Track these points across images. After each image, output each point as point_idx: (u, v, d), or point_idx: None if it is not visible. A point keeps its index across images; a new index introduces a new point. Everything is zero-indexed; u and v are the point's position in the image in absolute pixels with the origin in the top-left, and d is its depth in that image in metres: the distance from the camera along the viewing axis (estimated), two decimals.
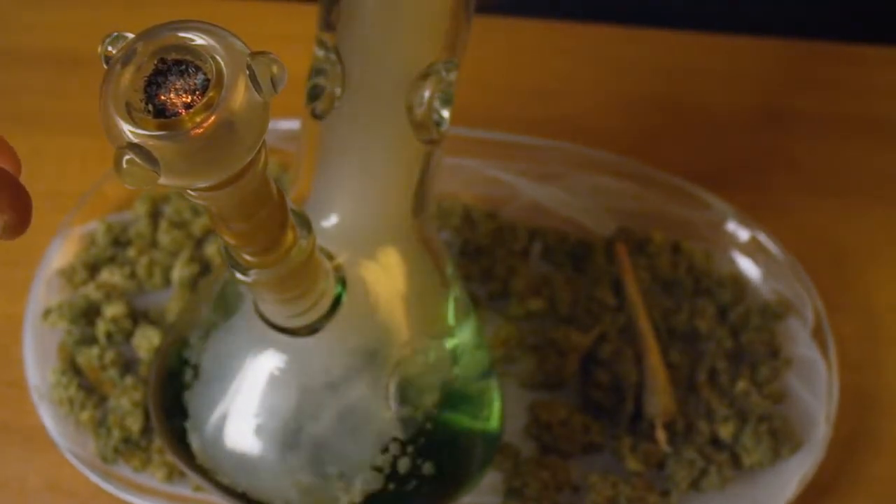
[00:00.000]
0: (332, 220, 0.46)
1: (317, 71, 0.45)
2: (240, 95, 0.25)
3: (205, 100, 0.25)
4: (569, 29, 0.74)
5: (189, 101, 0.25)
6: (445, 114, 0.44)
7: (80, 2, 0.75)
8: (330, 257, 0.41)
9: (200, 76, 0.25)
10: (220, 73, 0.25)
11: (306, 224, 0.35)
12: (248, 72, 0.25)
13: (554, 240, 0.62)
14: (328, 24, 0.43)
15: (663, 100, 0.70)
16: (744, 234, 0.62)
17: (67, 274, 0.60)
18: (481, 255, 0.61)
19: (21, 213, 0.29)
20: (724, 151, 0.68)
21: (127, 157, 0.24)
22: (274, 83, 0.25)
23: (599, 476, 0.54)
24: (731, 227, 0.62)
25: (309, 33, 0.46)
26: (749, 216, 0.62)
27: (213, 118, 0.24)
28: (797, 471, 0.54)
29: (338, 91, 0.44)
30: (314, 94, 0.45)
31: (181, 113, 0.25)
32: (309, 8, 0.43)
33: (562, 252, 0.62)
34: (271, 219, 0.32)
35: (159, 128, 0.25)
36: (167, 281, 0.61)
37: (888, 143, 0.69)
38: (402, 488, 0.45)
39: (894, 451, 0.57)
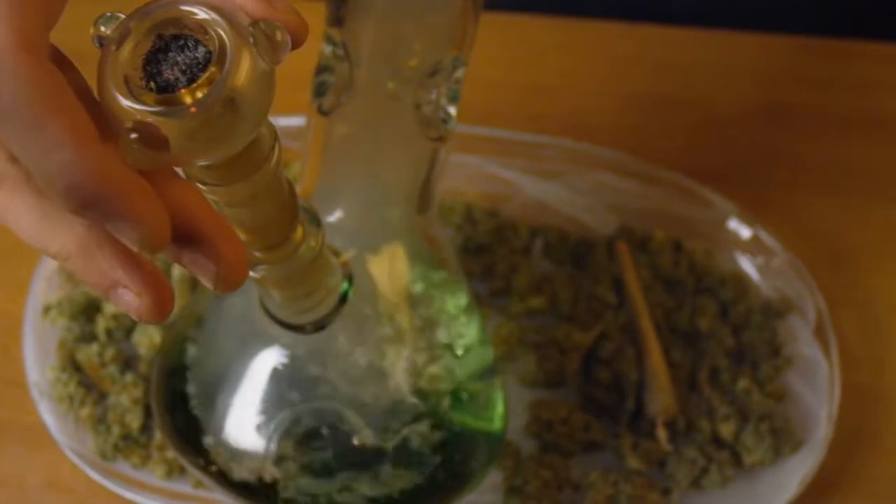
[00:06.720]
0: (338, 217, 0.46)
1: (324, 67, 0.44)
2: (244, 67, 0.24)
3: (207, 74, 0.24)
4: (570, 25, 0.73)
5: (192, 75, 0.24)
6: (452, 111, 0.44)
7: None
8: (336, 254, 0.41)
9: (202, 49, 0.24)
10: (222, 45, 0.24)
11: (316, 221, 0.35)
12: (251, 40, 0.24)
13: (555, 237, 0.62)
14: (337, 20, 0.43)
15: (664, 97, 0.70)
16: (745, 232, 0.62)
17: (67, 271, 0.60)
18: (482, 253, 0.61)
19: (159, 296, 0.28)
20: (726, 149, 0.68)
21: (132, 136, 0.23)
22: (278, 51, 0.24)
23: (600, 474, 0.54)
24: (733, 225, 0.62)
25: (316, 29, 0.46)
26: (750, 214, 0.62)
27: (216, 91, 0.24)
28: (798, 470, 0.54)
29: (345, 87, 0.44)
30: (321, 91, 0.45)
31: (183, 89, 0.24)
32: (316, 3, 0.43)
33: (563, 250, 0.62)
34: (282, 216, 0.32)
35: (160, 103, 0.24)
36: (168, 278, 0.60)
37: (891, 140, 0.69)
38: (406, 487, 0.45)
39: None
